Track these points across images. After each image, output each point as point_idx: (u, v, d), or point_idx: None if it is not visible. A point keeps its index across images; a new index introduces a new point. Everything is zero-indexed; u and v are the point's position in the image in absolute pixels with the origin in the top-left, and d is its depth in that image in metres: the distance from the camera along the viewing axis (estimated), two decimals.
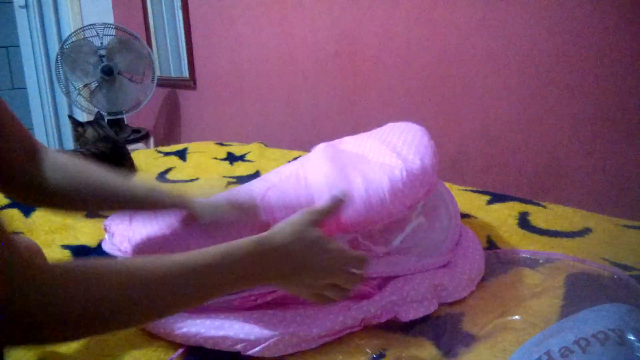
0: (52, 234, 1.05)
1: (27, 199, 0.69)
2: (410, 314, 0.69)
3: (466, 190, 1.24)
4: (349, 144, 0.96)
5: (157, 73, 2.72)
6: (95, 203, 0.72)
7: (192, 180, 1.47)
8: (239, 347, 0.63)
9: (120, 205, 0.74)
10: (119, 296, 0.43)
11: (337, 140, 1.01)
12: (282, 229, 0.58)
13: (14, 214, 1.15)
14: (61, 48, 2.51)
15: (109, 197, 0.70)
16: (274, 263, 0.55)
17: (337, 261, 0.59)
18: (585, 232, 0.96)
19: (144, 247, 0.75)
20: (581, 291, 0.69)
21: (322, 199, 0.72)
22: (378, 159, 0.82)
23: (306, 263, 0.57)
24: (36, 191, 0.66)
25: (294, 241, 0.56)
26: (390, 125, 0.99)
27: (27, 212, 1.16)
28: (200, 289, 0.51)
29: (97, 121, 1.76)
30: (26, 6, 3.19)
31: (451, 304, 0.74)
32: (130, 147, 1.84)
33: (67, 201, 0.68)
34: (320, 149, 0.93)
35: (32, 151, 0.67)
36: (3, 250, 0.37)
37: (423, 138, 0.87)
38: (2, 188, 0.67)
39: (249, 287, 0.59)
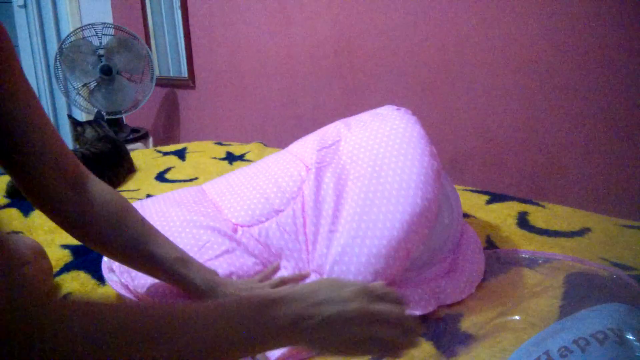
0: (51, 233, 1.05)
1: (75, 234, 0.64)
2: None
3: (466, 190, 1.24)
4: (347, 146, 0.89)
5: (156, 73, 2.72)
6: (126, 259, 0.68)
7: (191, 180, 1.47)
8: None
9: (147, 270, 0.69)
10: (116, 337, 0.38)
11: (334, 137, 0.94)
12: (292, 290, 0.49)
13: (14, 213, 1.15)
14: (60, 48, 2.51)
15: (140, 258, 0.66)
16: (297, 313, 0.47)
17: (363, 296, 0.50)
18: (584, 232, 0.96)
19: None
20: (580, 291, 0.69)
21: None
22: (379, 199, 0.76)
23: (334, 315, 0.47)
24: (83, 227, 0.62)
25: (314, 290, 0.49)
26: (389, 112, 0.93)
27: (26, 212, 1.16)
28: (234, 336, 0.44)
29: (96, 121, 1.76)
30: (25, 6, 3.19)
31: (450, 305, 0.74)
32: (129, 146, 1.84)
33: (105, 245, 0.65)
34: (312, 176, 0.85)
35: (79, 179, 0.62)
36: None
37: (424, 153, 0.80)
38: (52, 218, 0.62)
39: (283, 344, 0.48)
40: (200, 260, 0.72)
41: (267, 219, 0.84)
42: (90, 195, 0.62)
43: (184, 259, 0.68)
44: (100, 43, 2.57)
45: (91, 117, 1.82)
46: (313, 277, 0.76)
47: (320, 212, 0.80)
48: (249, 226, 0.84)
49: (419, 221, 0.73)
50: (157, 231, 0.69)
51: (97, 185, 0.64)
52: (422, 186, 0.76)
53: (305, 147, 0.94)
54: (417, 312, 0.70)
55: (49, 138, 0.59)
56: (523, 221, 1.02)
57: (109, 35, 2.59)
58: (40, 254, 0.81)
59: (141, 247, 0.65)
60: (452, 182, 0.94)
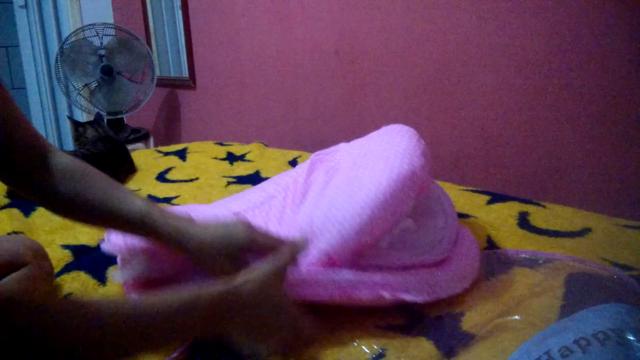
0: (52, 233, 1.05)
1: (41, 203, 0.70)
2: (394, 295, 0.68)
3: (466, 190, 1.24)
4: (343, 152, 0.96)
5: (157, 73, 2.72)
6: (95, 221, 0.71)
7: (192, 180, 1.47)
8: None
9: (118, 227, 0.71)
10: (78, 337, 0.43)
11: (332, 149, 1.01)
12: (249, 281, 0.58)
13: (15, 213, 1.15)
14: (61, 48, 2.51)
15: (107, 217, 0.68)
16: (237, 316, 0.56)
17: (291, 325, 0.61)
18: (585, 232, 0.96)
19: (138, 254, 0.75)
20: (581, 291, 0.69)
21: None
22: (365, 169, 0.79)
23: (265, 321, 0.58)
24: (46, 196, 0.67)
25: (259, 301, 0.57)
26: (383, 129, 0.98)
27: (27, 212, 1.16)
28: (165, 331, 0.50)
29: (97, 121, 1.76)
30: (26, 6, 3.19)
31: (450, 304, 0.74)
32: (130, 147, 1.84)
33: (70, 211, 0.68)
34: (306, 167, 0.96)
35: (42, 153, 0.66)
36: None
37: (412, 139, 0.84)
38: (18, 189, 0.67)
39: (208, 334, 0.57)
40: None
41: (261, 204, 0.91)
42: (53, 166, 0.66)
43: (151, 211, 0.67)
44: (101, 43, 2.57)
45: (92, 118, 1.82)
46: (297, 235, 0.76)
47: (310, 187, 0.87)
48: (244, 210, 0.89)
49: (405, 182, 0.73)
50: (122, 188, 0.70)
51: (59, 157, 0.68)
52: (409, 155, 0.77)
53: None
54: (418, 299, 0.69)
55: (13, 117, 0.62)
56: (524, 221, 1.02)
57: (109, 35, 2.59)
58: (40, 254, 0.81)
59: (106, 206, 0.67)
60: (444, 190, 0.95)
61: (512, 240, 0.94)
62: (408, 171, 0.74)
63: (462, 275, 0.77)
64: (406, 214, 0.77)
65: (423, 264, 0.76)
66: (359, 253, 0.72)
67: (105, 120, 2.67)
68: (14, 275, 0.73)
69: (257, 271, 0.59)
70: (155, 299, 0.50)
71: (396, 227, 0.76)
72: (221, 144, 1.90)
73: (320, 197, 0.82)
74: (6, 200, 1.25)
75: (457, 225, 0.88)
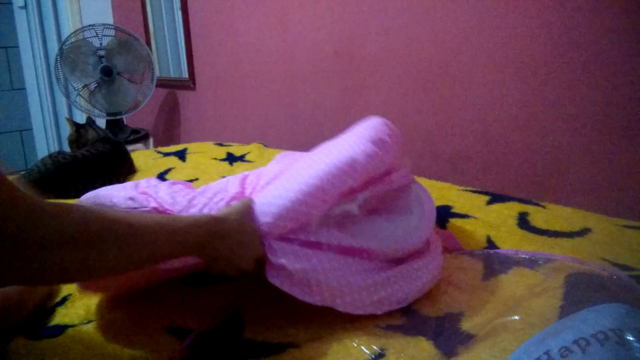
0: None
1: None
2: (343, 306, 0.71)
3: (466, 190, 1.24)
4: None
5: (157, 73, 2.72)
6: None
7: (191, 180, 1.47)
8: None
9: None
10: (85, 230, 0.50)
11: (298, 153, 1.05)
12: (232, 213, 0.70)
13: None
14: (60, 49, 2.51)
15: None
16: (224, 240, 0.67)
17: (253, 254, 0.71)
18: (584, 232, 0.96)
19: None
20: (581, 291, 0.69)
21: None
22: (313, 158, 0.82)
23: (237, 250, 0.69)
24: None
25: (239, 231, 0.69)
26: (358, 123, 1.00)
27: None
28: (170, 240, 0.61)
29: (94, 122, 1.76)
30: (25, 7, 3.19)
31: (450, 304, 0.74)
32: (129, 147, 1.84)
33: None
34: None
35: None
36: None
37: (369, 129, 0.86)
38: None
39: (191, 254, 0.66)
40: None
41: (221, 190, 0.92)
42: None
43: None
44: (101, 44, 2.57)
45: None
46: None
47: (262, 176, 0.90)
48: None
49: (342, 168, 0.76)
50: None
51: None
52: (353, 144, 0.81)
53: None
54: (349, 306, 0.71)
55: None
56: (523, 221, 1.02)
57: (109, 36, 2.59)
58: None
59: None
60: (429, 196, 0.95)
61: (511, 240, 0.94)
62: (347, 158, 0.78)
63: (413, 276, 0.77)
64: (350, 199, 0.80)
65: (370, 251, 0.77)
66: (293, 231, 0.74)
67: (105, 121, 2.68)
68: None
69: (235, 207, 0.72)
70: (162, 216, 0.63)
71: (337, 209, 0.78)
72: (221, 145, 1.90)
73: (269, 183, 0.85)
74: None
75: (431, 232, 0.88)
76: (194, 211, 0.76)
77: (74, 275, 0.55)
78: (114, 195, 0.75)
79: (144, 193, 0.77)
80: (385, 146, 0.82)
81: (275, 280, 0.70)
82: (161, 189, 0.79)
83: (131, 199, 0.74)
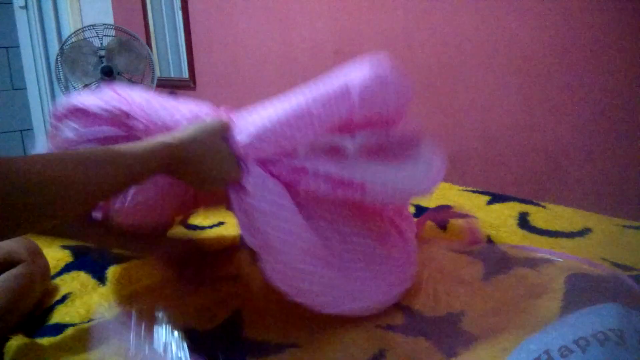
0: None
1: None
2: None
3: (466, 190, 1.24)
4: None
5: (157, 74, 2.72)
6: None
7: None
8: None
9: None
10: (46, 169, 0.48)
11: None
12: (196, 137, 0.65)
13: None
14: (61, 49, 2.51)
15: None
16: (188, 166, 0.64)
17: (228, 177, 0.67)
18: (585, 232, 0.96)
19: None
20: (581, 291, 0.69)
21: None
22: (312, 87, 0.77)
23: (208, 173, 0.66)
24: None
25: (206, 153, 0.65)
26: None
27: None
28: (132, 169, 0.58)
29: None
30: (26, 7, 3.19)
31: (451, 304, 0.73)
32: None
33: None
34: None
35: None
36: None
37: (373, 68, 0.78)
38: None
39: (164, 173, 0.63)
40: None
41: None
42: None
43: None
44: (101, 44, 2.57)
45: None
46: None
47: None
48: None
49: (334, 94, 0.71)
50: None
51: None
52: (351, 75, 0.74)
53: None
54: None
55: None
56: (524, 221, 1.02)
57: (109, 36, 2.59)
58: (36, 252, 0.81)
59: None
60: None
61: (512, 240, 0.94)
62: (341, 84, 0.72)
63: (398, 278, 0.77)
64: (346, 136, 0.74)
65: (365, 187, 0.70)
66: (281, 153, 0.70)
67: None
68: (10, 272, 0.74)
69: (205, 126, 0.67)
70: (113, 149, 0.58)
71: (329, 138, 0.73)
72: None
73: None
74: None
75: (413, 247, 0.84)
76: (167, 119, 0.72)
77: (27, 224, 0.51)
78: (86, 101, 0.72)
79: (117, 94, 0.74)
80: (386, 83, 0.75)
81: (274, 280, 0.68)
82: (135, 93, 0.76)
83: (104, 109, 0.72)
